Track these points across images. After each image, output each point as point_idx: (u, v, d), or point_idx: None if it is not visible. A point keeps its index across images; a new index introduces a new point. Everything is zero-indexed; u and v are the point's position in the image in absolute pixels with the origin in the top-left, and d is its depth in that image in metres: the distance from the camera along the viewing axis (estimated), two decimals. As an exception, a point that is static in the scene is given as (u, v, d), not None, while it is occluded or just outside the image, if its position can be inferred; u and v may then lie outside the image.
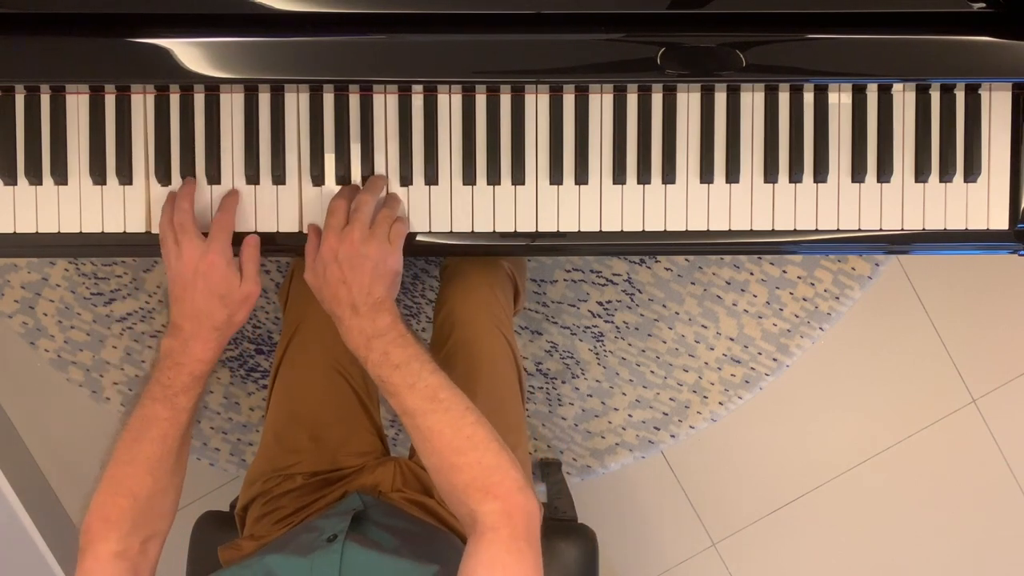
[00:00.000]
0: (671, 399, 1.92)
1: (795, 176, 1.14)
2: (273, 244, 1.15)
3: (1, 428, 1.92)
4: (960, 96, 1.14)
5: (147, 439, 1.06)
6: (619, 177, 1.14)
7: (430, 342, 1.46)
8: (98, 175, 1.13)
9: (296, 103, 1.13)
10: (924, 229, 1.15)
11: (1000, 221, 1.15)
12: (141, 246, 1.15)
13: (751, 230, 1.15)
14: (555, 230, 1.15)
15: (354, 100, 1.13)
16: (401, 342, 1.05)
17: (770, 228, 1.15)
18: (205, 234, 1.09)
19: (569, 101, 1.13)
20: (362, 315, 1.05)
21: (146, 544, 1.06)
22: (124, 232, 1.14)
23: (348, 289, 1.05)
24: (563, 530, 1.41)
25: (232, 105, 1.13)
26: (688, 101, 1.14)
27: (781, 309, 1.89)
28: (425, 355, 1.05)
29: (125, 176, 1.13)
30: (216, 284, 1.07)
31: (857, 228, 1.15)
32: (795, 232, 1.16)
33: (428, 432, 1.02)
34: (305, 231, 1.14)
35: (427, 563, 1.04)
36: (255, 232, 1.14)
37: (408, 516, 1.20)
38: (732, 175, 1.14)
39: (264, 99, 1.13)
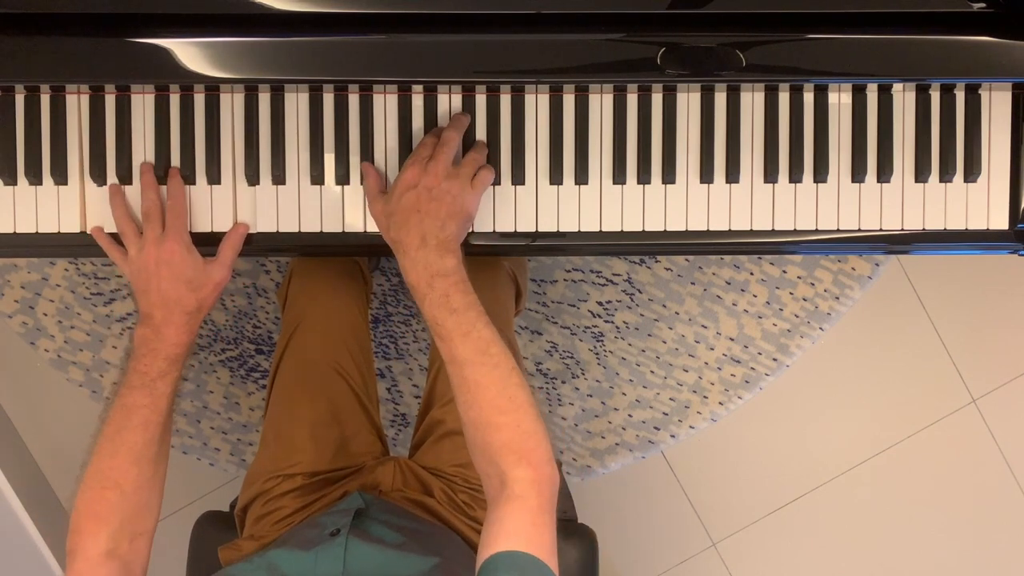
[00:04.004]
0: (671, 399, 1.92)
1: (795, 176, 1.14)
2: (273, 244, 1.15)
3: (1, 428, 1.92)
4: (960, 96, 1.14)
5: (129, 428, 1.06)
6: (619, 177, 1.14)
7: (431, 343, 1.45)
8: (98, 175, 1.13)
9: (296, 103, 1.13)
10: (924, 229, 1.15)
11: (1000, 221, 1.15)
12: (141, 246, 1.15)
13: (751, 230, 1.15)
14: (555, 230, 1.15)
15: (354, 100, 1.14)
16: (463, 288, 1.04)
17: (770, 228, 1.15)
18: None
19: (569, 101, 1.13)
20: (430, 248, 1.03)
21: (135, 542, 1.06)
22: (124, 232, 1.14)
23: (420, 218, 1.04)
24: (563, 530, 1.40)
25: (232, 105, 1.13)
26: (688, 101, 1.14)
27: (781, 309, 1.89)
28: (480, 306, 1.04)
29: (125, 176, 1.13)
30: (180, 270, 1.08)
31: (857, 228, 1.15)
32: (795, 232, 1.16)
33: (474, 385, 1.01)
34: (306, 231, 1.14)
35: (429, 555, 1.04)
36: (256, 232, 1.14)
37: (409, 514, 1.20)
38: (732, 175, 1.14)
39: (264, 99, 1.13)
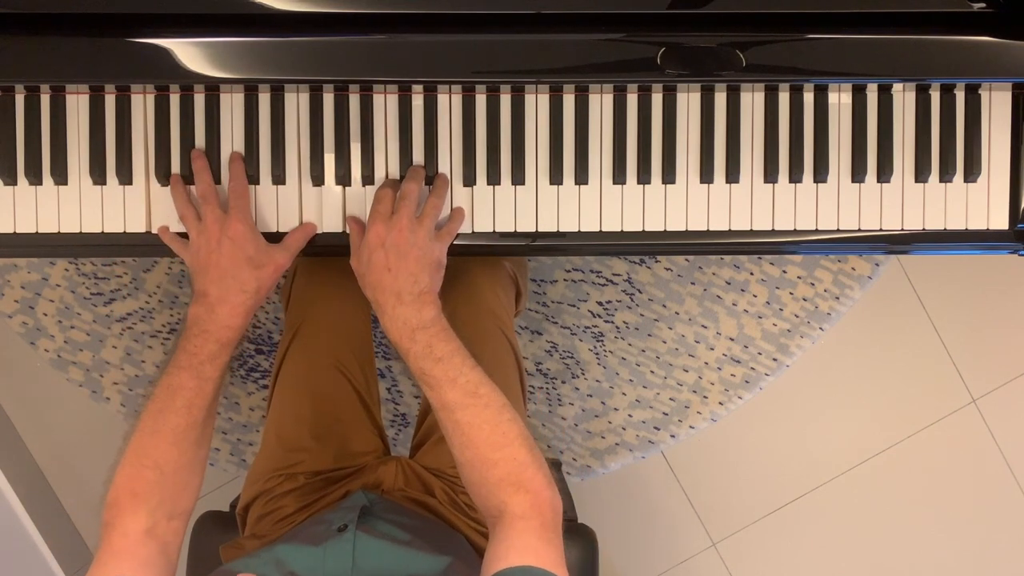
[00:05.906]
0: (671, 399, 1.92)
1: (795, 176, 1.14)
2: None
3: (1, 428, 1.92)
4: (960, 96, 1.14)
5: (172, 409, 1.05)
6: (619, 177, 1.14)
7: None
8: (98, 175, 1.13)
9: (296, 103, 1.13)
10: (924, 229, 1.16)
11: (1000, 221, 1.15)
12: (141, 246, 1.15)
13: (751, 230, 1.15)
14: (555, 230, 1.15)
15: (354, 100, 1.14)
16: (444, 336, 1.05)
17: (770, 228, 1.15)
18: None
19: (569, 101, 1.13)
20: (406, 304, 1.04)
21: (173, 522, 1.05)
22: (124, 232, 1.14)
23: (393, 277, 1.04)
24: (563, 530, 1.40)
25: (232, 105, 1.13)
26: (688, 101, 1.14)
27: (781, 309, 1.89)
28: (465, 349, 1.05)
29: (125, 176, 1.13)
30: (242, 245, 1.07)
31: (857, 228, 1.16)
32: (795, 232, 1.16)
33: (467, 427, 1.02)
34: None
35: (440, 554, 1.04)
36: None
37: (413, 513, 1.20)
38: (732, 175, 1.14)
39: (264, 99, 1.13)
